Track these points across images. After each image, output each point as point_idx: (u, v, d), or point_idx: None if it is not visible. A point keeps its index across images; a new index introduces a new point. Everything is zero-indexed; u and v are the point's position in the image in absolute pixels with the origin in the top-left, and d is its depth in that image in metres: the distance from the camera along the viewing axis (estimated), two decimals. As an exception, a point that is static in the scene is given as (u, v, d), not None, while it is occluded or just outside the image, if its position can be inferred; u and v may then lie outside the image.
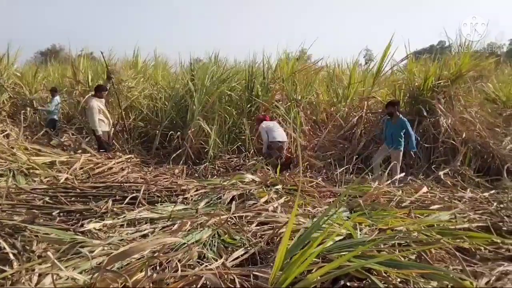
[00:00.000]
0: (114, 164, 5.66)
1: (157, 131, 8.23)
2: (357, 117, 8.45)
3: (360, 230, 2.96)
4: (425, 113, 7.58)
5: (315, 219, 2.82)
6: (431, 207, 3.89)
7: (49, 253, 2.35)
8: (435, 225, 3.22)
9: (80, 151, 6.67)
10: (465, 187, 5.80)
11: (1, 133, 6.90)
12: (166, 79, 10.75)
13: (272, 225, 3.19)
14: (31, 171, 4.78)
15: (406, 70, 8.35)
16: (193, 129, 7.63)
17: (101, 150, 6.76)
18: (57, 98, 9.47)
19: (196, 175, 6.40)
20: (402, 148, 6.37)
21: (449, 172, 6.76)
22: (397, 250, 2.58)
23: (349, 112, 8.91)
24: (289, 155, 7.41)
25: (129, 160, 6.38)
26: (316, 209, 3.83)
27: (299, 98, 8.96)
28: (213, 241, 2.81)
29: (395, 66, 9.39)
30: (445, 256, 2.67)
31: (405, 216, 3.43)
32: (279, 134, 7.00)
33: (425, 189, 4.59)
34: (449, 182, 6.16)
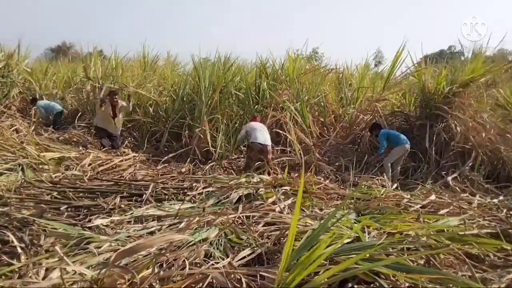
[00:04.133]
0: (122, 161, 5.69)
1: (165, 129, 8.27)
2: (366, 120, 8.42)
3: (368, 233, 2.93)
4: (436, 118, 7.53)
5: (322, 221, 2.80)
6: (440, 212, 3.86)
7: (56, 247, 2.36)
8: (445, 230, 3.19)
9: (88, 148, 6.73)
10: (474, 193, 5.74)
11: (11, 128, 6.95)
12: (174, 78, 10.75)
13: (279, 225, 3.17)
14: (40, 166, 4.82)
15: (418, 74, 8.26)
16: (200, 129, 7.65)
17: (107, 147, 6.85)
18: (43, 104, 9.29)
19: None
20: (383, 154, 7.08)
21: (458, 178, 6.71)
22: (406, 254, 2.55)
23: (358, 115, 8.86)
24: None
25: (137, 158, 6.41)
26: (324, 211, 3.81)
27: (306, 98, 8.90)
28: (220, 240, 2.80)
29: (407, 71, 9.29)
30: (454, 262, 2.64)
31: (413, 221, 3.40)
32: (262, 136, 6.42)
33: (433, 197, 4.56)
34: (457, 188, 6.10)
